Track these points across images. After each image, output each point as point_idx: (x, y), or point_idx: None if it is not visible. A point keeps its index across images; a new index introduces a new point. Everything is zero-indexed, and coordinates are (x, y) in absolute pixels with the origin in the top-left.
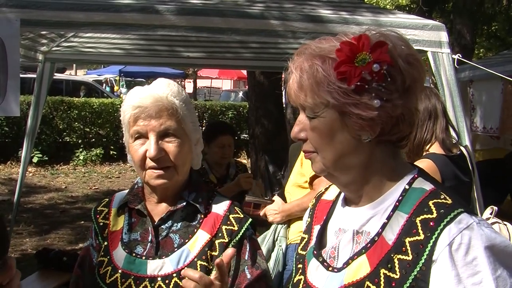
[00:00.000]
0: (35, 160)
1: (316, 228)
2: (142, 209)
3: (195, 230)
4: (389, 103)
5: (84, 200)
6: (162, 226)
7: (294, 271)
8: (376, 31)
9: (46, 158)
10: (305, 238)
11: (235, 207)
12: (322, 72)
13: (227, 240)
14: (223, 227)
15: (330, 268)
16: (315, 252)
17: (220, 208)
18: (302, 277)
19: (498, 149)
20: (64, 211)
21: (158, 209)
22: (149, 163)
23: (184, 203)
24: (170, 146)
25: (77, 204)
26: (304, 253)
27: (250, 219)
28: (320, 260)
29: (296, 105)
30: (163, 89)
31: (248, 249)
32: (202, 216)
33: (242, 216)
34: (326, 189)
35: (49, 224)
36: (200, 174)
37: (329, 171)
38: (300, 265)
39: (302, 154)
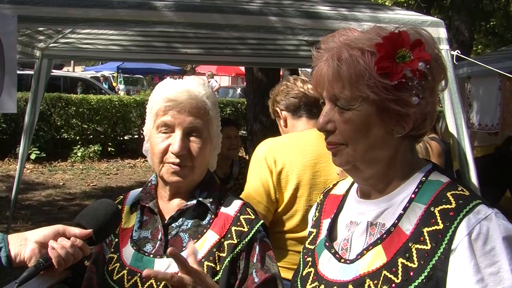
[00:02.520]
0: (32, 156)
1: (325, 222)
2: (153, 207)
3: (205, 230)
4: (423, 100)
5: (82, 196)
6: (172, 225)
7: (301, 265)
8: (411, 28)
9: (44, 155)
10: (313, 232)
11: (247, 208)
12: (363, 64)
13: (235, 242)
14: (233, 228)
15: (342, 260)
16: (327, 244)
17: (231, 208)
18: (312, 269)
19: (496, 145)
20: (62, 208)
21: (169, 207)
22: (169, 157)
23: (195, 202)
24: (194, 145)
25: (75, 201)
26: (312, 247)
27: (261, 221)
28: (332, 252)
29: (323, 94)
30: (199, 89)
31: (257, 252)
32: (213, 216)
33: (253, 217)
34: (334, 184)
35: (47, 221)
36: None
37: (356, 163)
38: (309, 258)
39: None
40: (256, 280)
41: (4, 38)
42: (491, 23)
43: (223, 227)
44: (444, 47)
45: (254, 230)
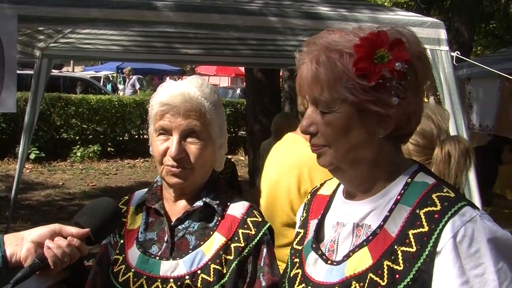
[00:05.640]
0: (32, 156)
1: (313, 223)
2: (159, 209)
3: (211, 232)
4: (404, 100)
5: (81, 196)
6: (179, 227)
7: (289, 266)
8: (391, 28)
9: (43, 155)
10: (300, 233)
11: (254, 210)
12: (341, 67)
13: (243, 245)
14: (240, 231)
15: (329, 261)
16: (313, 246)
17: (237, 210)
18: (299, 270)
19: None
20: (61, 208)
21: (175, 209)
22: (168, 160)
23: (201, 204)
24: (192, 147)
25: (74, 201)
26: (300, 247)
27: (268, 224)
28: (319, 253)
29: (305, 97)
30: (195, 90)
31: (264, 255)
32: (219, 218)
33: (260, 220)
34: (322, 184)
35: (46, 221)
36: None
37: (339, 164)
38: (296, 259)
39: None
40: (264, 284)
41: (4, 38)
42: (491, 25)
43: (229, 230)
44: (444, 48)
45: (261, 233)
